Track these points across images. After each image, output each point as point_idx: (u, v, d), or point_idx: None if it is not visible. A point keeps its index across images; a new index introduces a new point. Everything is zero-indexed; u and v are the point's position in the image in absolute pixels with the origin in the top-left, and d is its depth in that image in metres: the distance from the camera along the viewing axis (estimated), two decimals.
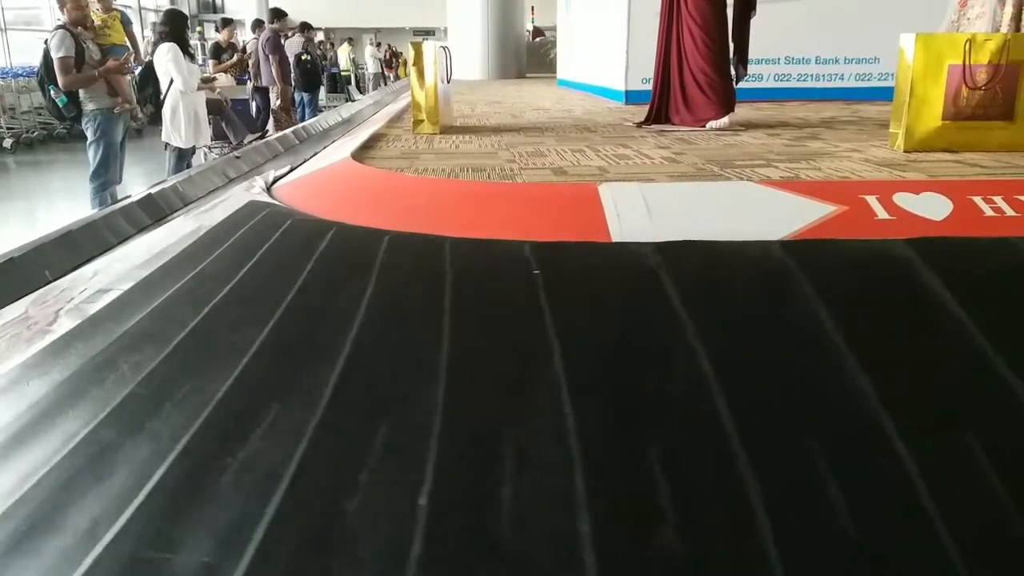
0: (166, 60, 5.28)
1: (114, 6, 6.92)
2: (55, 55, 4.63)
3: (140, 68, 5.91)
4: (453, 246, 1.72)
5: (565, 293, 1.55)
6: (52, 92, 4.78)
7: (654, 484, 1.10)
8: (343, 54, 17.39)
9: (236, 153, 3.33)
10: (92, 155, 4.90)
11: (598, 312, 1.51)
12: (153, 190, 2.97)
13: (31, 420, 1.37)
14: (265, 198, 2.31)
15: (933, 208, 1.93)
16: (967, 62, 2.76)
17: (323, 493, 1.10)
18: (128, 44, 6.46)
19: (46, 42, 4.78)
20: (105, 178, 4.90)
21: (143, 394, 1.37)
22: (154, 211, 2.85)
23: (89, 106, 4.83)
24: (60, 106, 4.81)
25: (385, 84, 16.60)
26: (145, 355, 1.50)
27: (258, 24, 9.63)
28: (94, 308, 1.81)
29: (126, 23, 7.12)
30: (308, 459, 1.16)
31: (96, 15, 6.08)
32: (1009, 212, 1.89)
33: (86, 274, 2.16)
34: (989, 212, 1.90)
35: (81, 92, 4.80)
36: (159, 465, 1.16)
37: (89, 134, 4.89)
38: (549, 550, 1.00)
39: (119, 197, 3.65)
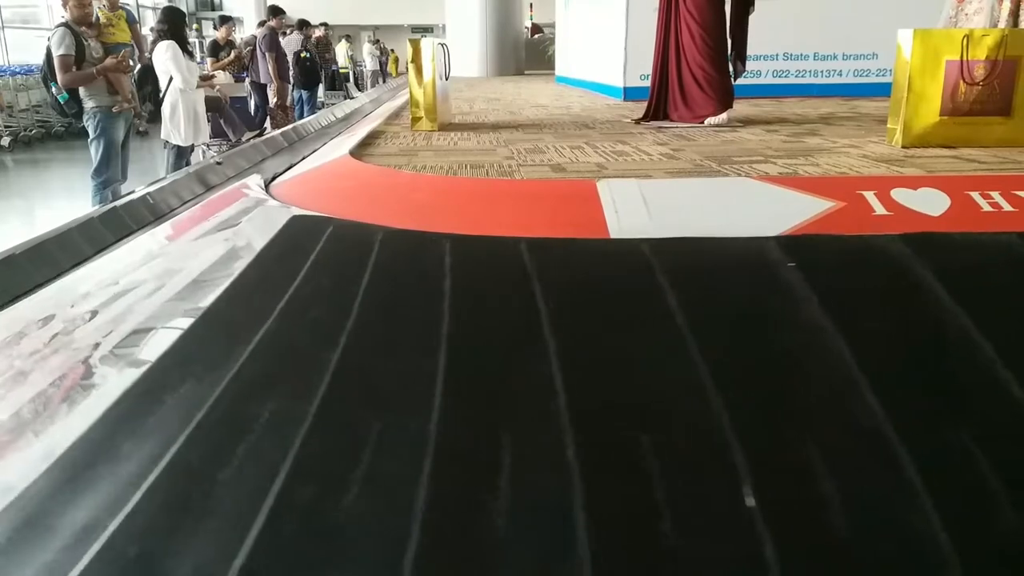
0: (165, 58, 5.27)
1: (120, 4, 6.93)
2: (55, 53, 4.63)
3: (139, 66, 5.91)
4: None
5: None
6: (55, 89, 4.78)
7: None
8: (341, 51, 17.37)
9: (218, 158, 3.21)
10: (93, 152, 4.91)
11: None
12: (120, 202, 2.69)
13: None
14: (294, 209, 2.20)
15: (931, 203, 1.93)
16: (965, 58, 2.76)
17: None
18: (133, 43, 6.46)
19: (49, 39, 4.78)
20: (107, 176, 4.90)
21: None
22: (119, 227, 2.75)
23: (89, 103, 4.83)
24: (62, 103, 4.82)
25: (384, 82, 16.59)
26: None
27: (263, 25, 9.62)
28: (143, 351, 1.50)
29: (131, 21, 7.12)
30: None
31: (102, 12, 6.08)
32: (1007, 207, 1.90)
33: (108, 315, 1.70)
34: (987, 207, 1.90)
35: (81, 90, 4.80)
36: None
37: (90, 131, 4.90)
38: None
39: (122, 194, 3.65)
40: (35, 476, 1.15)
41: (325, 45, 12.90)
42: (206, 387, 1.33)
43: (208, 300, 1.62)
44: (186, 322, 1.56)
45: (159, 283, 1.79)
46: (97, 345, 1.52)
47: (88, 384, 1.44)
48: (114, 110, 4.88)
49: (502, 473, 1.11)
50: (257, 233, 1.94)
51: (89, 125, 4.87)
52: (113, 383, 1.39)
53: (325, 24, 12.86)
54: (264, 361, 1.43)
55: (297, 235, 1.88)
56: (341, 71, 16.66)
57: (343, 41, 18.15)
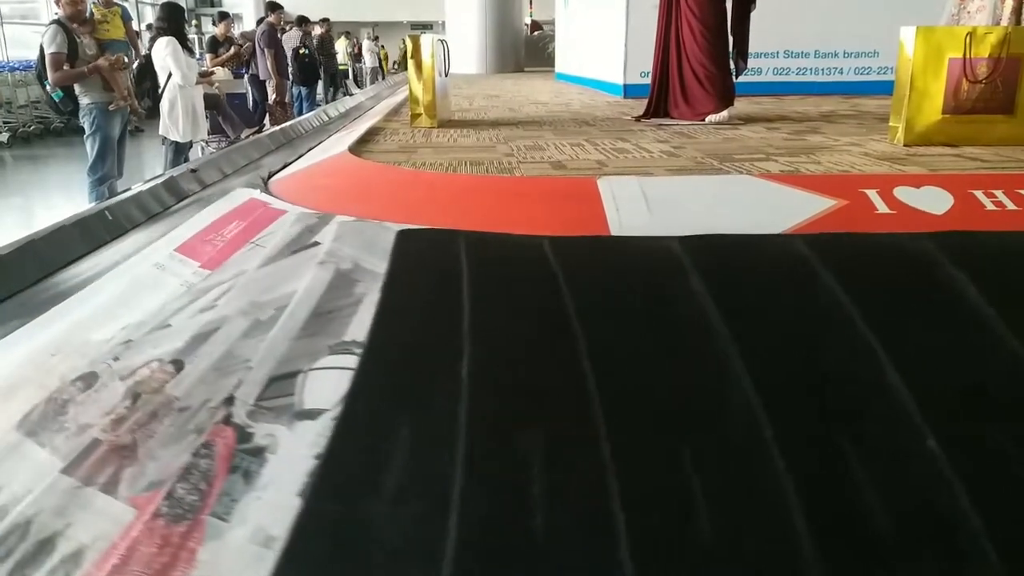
0: (164, 54, 5.25)
1: (115, 1, 6.90)
2: (47, 51, 4.61)
3: (137, 62, 5.89)
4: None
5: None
6: (49, 87, 4.76)
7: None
8: (340, 48, 17.34)
9: (192, 166, 3.04)
10: (89, 148, 4.89)
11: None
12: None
13: None
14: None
15: (934, 202, 1.92)
16: (967, 55, 2.75)
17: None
18: (128, 41, 6.43)
19: (43, 36, 4.76)
20: (103, 172, 4.88)
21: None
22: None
23: (85, 100, 4.81)
24: (57, 101, 4.79)
25: (383, 79, 16.55)
26: None
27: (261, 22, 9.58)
28: (307, 398, 1.31)
29: (126, 19, 7.08)
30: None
31: (97, 9, 6.05)
32: (1010, 206, 1.88)
33: (204, 364, 1.43)
34: (990, 206, 1.89)
35: (77, 86, 4.78)
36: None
37: (86, 127, 4.88)
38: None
39: (119, 191, 3.63)
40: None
41: (328, 42, 12.85)
42: (439, 424, 1.24)
43: (356, 332, 1.44)
44: (345, 359, 1.38)
45: (250, 320, 1.51)
46: (230, 401, 1.29)
47: (255, 447, 1.20)
48: (111, 108, 4.86)
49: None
50: (364, 253, 1.70)
51: (85, 122, 4.85)
52: (290, 440, 1.22)
53: (326, 20, 12.82)
54: (501, 386, 1.34)
55: (423, 251, 1.74)
56: (340, 68, 16.63)
57: (342, 38, 18.12)
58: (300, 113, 8.55)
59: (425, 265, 1.69)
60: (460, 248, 1.68)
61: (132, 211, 2.50)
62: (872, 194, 1.94)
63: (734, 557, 0.99)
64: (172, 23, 5.37)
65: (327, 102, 9.76)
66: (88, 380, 1.41)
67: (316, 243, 1.77)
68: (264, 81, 8.86)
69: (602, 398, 1.24)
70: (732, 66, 3.99)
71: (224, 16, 9.37)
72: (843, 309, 1.42)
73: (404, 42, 4.09)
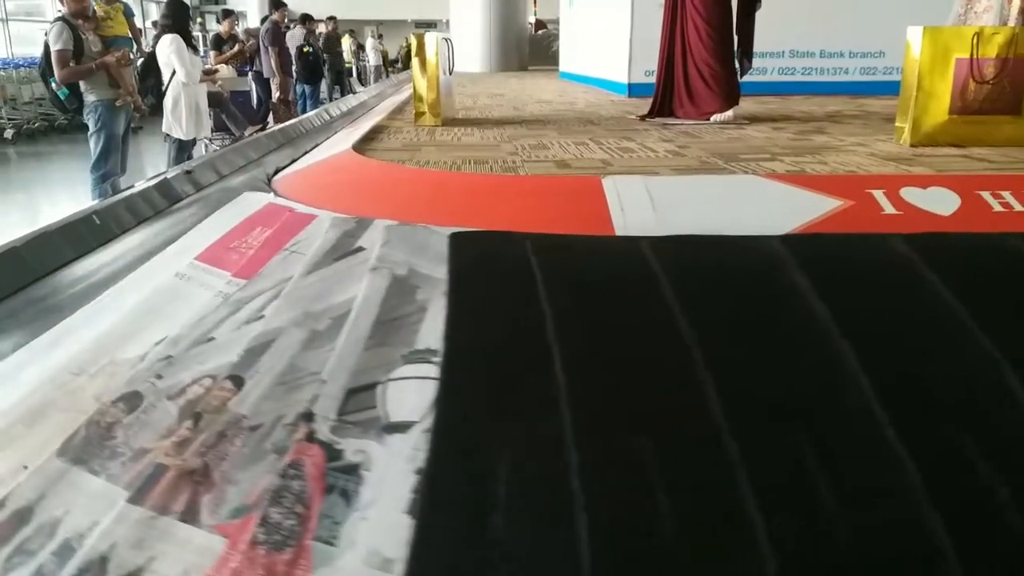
0: (168, 51, 5.24)
1: None
2: (53, 48, 4.60)
3: (142, 59, 5.87)
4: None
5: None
6: (54, 84, 4.75)
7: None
8: (344, 46, 17.33)
9: (188, 166, 2.91)
10: (93, 146, 4.88)
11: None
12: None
13: None
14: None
15: (941, 203, 1.91)
16: (975, 56, 2.73)
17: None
18: (131, 37, 6.42)
19: (47, 33, 4.75)
20: (105, 169, 4.88)
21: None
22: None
23: (90, 97, 4.80)
24: (62, 98, 4.78)
25: (387, 77, 16.55)
26: None
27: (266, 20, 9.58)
28: (390, 409, 1.27)
29: (129, 15, 7.07)
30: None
31: (99, 6, 6.04)
32: (1017, 207, 1.87)
33: (268, 380, 1.37)
34: (998, 207, 1.88)
35: (82, 83, 4.78)
36: None
37: (90, 125, 4.87)
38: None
39: (121, 188, 3.62)
40: None
41: (335, 40, 12.81)
42: (544, 430, 1.22)
43: (428, 340, 1.41)
44: (423, 368, 1.35)
45: (306, 331, 1.47)
46: (308, 417, 1.24)
47: (348, 465, 1.16)
48: (117, 104, 4.85)
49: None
50: (417, 257, 1.67)
51: (90, 119, 4.84)
52: (384, 455, 1.18)
53: (333, 18, 12.78)
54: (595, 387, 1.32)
55: (483, 255, 1.71)
56: (344, 65, 16.62)
57: (346, 36, 18.11)
58: (304, 111, 8.55)
59: (490, 268, 1.64)
60: (526, 250, 1.64)
61: (140, 209, 2.49)
62: (878, 195, 1.92)
63: (867, 557, 0.98)
64: (176, 20, 5.36)
65: (332, 100, 9.75)
66: (131, 401, 1.33)
67: (360, 248, 1.72)
68: (268, 79, 8.85)
69: (719, 397, 1.23)
70: (737, 65, 3.97)
71: (228, 13, 9.38)
72: (948, 309, 1.41)
73: (407, 40, 4.07)
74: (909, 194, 1.93)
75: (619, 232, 1.78)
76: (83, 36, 4.72)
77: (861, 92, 5.95)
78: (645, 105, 4.33)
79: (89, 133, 4.91)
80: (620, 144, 3.14)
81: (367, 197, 2.24)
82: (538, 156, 2.83)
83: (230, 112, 7.29)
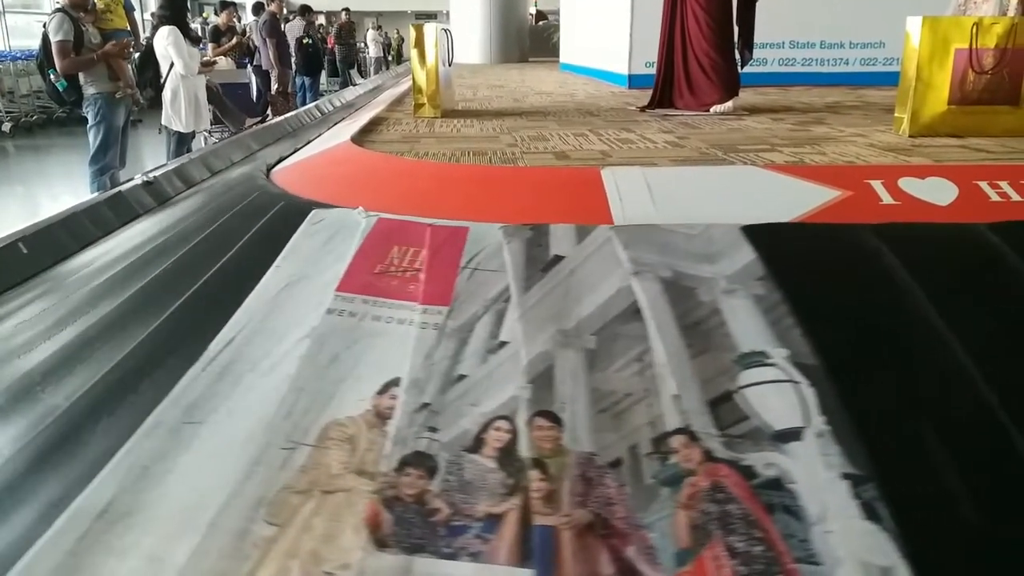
0: (166, 43, 5.23)
1: None
2: (53, 39, 4.59)
3: (139, 52, 5.86)
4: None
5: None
6: (52, 76, 4.74)
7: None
8: (369, 38, 17.30)
9: (148, 177, 2.62)
10: (92, 139, 4.88)
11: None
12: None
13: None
14: None
15: (938, 193, 1.91)
16: (974, 46, 2.73)
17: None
18: (130, 29, 6.41)
19: (45, 25, 4.74)
20: (104, 162, 4.87)
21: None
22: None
23: (90, 90, 4.79)
24: (60, 90, 4.77)
25: (387, 68, 16.51)
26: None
27: (259, 8, 9.54)
28: None
29: (129, 9, 7.07)
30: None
31: None
32: (1015, 197, 1.88)
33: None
34: (995, 197, 1.88)
35: (81, 76, 4.77)
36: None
37: (90, 118, 4.86)
38: None
39: (120, 181, 3.62)
40: None
41: (349, 31, 12.74)
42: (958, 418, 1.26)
43: (748, 343, 1.40)
44: (770, 372, 1.34)
45: (579, 352, 1.39)
46: (692, 437, 1.18)
47: (769, 480, 1.12)
48: (117, 96, 4.84)
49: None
50: (672, 258, 1.63)
51: (89, 112, 4.84)
52: (796, 465, 1.16)
53: (347, 10, 12.65)
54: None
55: (804, 249, 1.70)
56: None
57: (370, 29, 18.08)
58: (303, 103, 8.54)
59: (815, 263, 1.60)
60: (869, 240, 1.60)
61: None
62: (877, 185, 1.93)
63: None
64: (174, 11, 5.34)
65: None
66: (421, 463, 1.16)
67: (558, 257, 1.64)
68: (267, 71, 8.83)
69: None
70: (737, 56, 3.97)
71: (226, 5, 9.32)
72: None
73: (398, 33, 4.06)
74: (907, 184, 1.94)
75: (618, 223, 1.78)
76: (83, 28, 4.71)
77: (861, 83, 5.93)
78: (645, 96, 4.33)
79: (88, 126, 4.90)
80: (620, 135, 3.14)
81: (366, 189, 2.24)
82: (537, 147, 2.83)
83: (223, 106, 7.25)
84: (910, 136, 2.84)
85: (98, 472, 1.13)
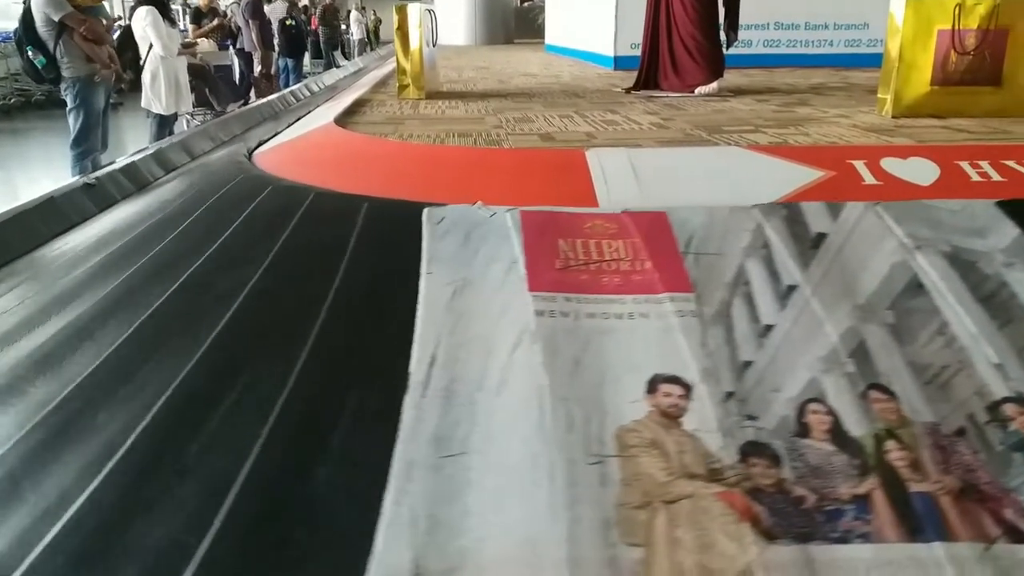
0: (144, 24, 5.16)
1: None
2: (57, 15, 4.50)
3: (118, 33, 5.78)
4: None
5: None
6: (31, 53, 4.66)
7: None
8: (352, 18, 17.11)
9: (88, 179, 2.37)
10: (72, 122, 4.81)
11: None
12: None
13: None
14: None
15: (920, 173, 1.92)
16: (956, 27, 2.74)
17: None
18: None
19: (26, 1, 4.65)
20: (86, 146, 4.81)
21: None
22: None
23: (67, 73, 4.72)
24: (39, 68, 4.70)
25: (371, 50, 16.38)
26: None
27: None
28: None
29: None
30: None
31: None
32: (995, 177, 1.89)
33: None
34: (976, 177, 1.90)
35: (60, 59, 4.69)
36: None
37: (69, 101, 4.79)
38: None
39: (102, 165, 3.57)
40: None
41: (333, 13, 12.59)
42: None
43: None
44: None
45: (881, 327, 1.37)
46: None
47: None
48: (96, 79, 4.77)
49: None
50: (945, 233, 1.62)
51: (68, 95, 4.77)
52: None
53: None
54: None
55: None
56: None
57: (353, 10, 17.89)
58: (286, 85, 8.46)
59: None
60: None
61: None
62: (859, 165, 1.94)
63: None
64: None
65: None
66: (765, 452, 1.13)
67: (822, 234, 1.59)
68: (250, 53, 8.74)
69: None
70: (722, 38, 3.96)
71: None
72: None
73: (375, 14, 4.02)
74: (889, 164, 1.95)
75: (603, 204, 1.78)
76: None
77: (846, 64, 5.94)
78: (630, 78, 4.32)
79: (68, 109, 4.83)
80: (605, 117, 3.14)
81: (350, 171, 2.23)
82: (523, 129, 2.82)
83: (214, 86, 7.19)
84: (893, 117, 2.86)
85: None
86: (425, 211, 1.69)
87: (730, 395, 1.23)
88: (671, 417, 1.19)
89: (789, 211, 1.67)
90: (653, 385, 1.24)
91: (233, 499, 1.02)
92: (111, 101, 5.26)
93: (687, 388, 1.24)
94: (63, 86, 4.74)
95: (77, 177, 2.30)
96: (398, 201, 1.81)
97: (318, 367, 1.29)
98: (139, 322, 1.46)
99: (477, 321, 1.40)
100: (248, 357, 1.34)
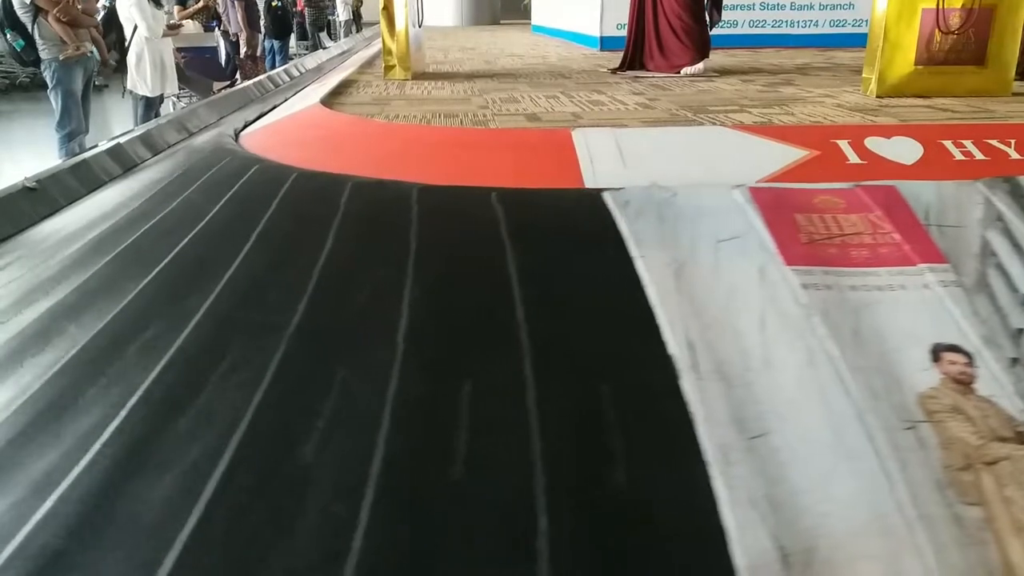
0: (128, 4, 5.11)
1: None
2: None
3: (103, 14, 5.72)
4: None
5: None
6: (9, 36, 4.61)
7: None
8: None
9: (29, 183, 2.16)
10: (54, 103, 4.78)
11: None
12: None
13: None
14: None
15: (904, 152, 1.94)
16: (941, 6, 2.75)
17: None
18: None
19: None
20: (71, 127, 4.77)
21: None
22: None
23: (44, 55, 4.68)
24: (18, 50, 4.65)
25: (358, 31, 16.25)
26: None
27: None
28: None
29: None
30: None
31: None
32: (979, 156, 1.91)
33: None
34: (959, 156, 1.91)
35: (38, 40, 4.64)
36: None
37: (48, 81, 4.77)
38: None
39: (86, 147, 3.54)
40: None
41: None
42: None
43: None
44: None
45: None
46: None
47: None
48: (60, 58, 4.70)
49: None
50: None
51: (47, 75, 4.74)
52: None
53: None
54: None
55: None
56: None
57: None
58: (273, 67, 8.39)
59: None
60: None
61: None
62: (844, 144, 1.95)
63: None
64: None
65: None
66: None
67: (1003, 216, 1.56)
68: (237, 34, 8.65)
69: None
70: (707, 18, 3.97)
71: None
72: None
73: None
74: (874, 144, 1.97)
75: (588, 184, 1.79)
76: None
77: (831, 44, 5.96)
78: (616, 58, 4.32)
79: (48, 90, 4.80)
80: (591, 97, 3.14)
81: (337, 152, 2.23)
82: (509, 110, 2.82)
83: (185, 76, 7.09)
84: (878, 96, 2.87)
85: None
86: (607, 196, 1.64)
87: (1015, 361, 1.24)
88: (963, 384, 1.20)
89: (1011, 185, 1.64)
90: (936, 354, 1.25)
91: None
92: (97, 83, 5.21)
93: (969, 356, 1.25)
94: (42, 66, 4.71)
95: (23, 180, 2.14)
96: (387, 181, 1.82)
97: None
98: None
99: (711, 300, 1.38)
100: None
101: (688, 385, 1.18)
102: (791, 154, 1.91)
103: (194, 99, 6.34)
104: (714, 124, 2.42)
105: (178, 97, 6.30)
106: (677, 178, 1.74)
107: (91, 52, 4.83)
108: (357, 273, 1.51)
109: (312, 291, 1.43)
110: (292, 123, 2.70)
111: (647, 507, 1.01)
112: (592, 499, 1.02)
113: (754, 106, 2.79)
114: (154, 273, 1.57)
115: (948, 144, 1.96)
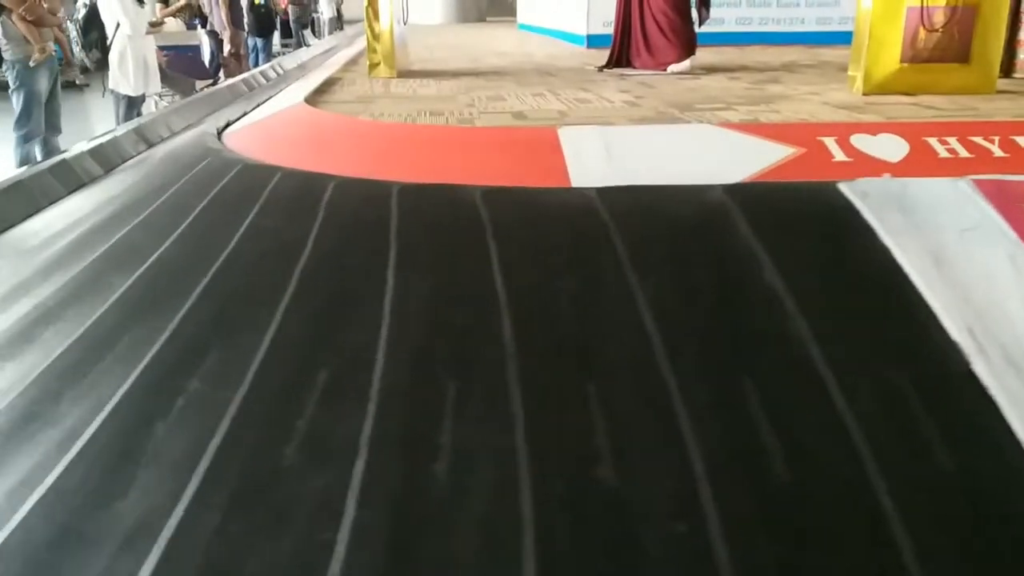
0: (111, 2, 5.06)
1: None
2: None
3: (84, 11, 5.66)
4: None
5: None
6: None
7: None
8: None
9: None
10: (14, 104, 4.72)
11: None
12: None
13: None
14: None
15: (890, 149, 1.94)
16: (925, 4, 2.76)
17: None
18: None
19: None
20: (28, 128, 4.69)
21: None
22: None
23: (7, 55, 4.62)
24: None
25: (342, 29, 16.18)
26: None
27: None
28: None
29: None
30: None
31: None
32: (963, 153, 1.91)
33: None
34: (944, 153, 1.92)
35: (1, 40, 4.58)
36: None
37: (10, 82, 4.71)
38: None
39: (62, 149, 3.49)
40: None
41: None
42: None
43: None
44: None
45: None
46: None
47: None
48: (31, 63, 4.64)
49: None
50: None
51: (8, 76, 4.68)
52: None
53: None
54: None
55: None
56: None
57: None
58: (256, 65, 8.34)
59: None
60: None
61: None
62: (830, 142, 1.95)
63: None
64: None
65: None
66: None
67: None
68: (220, 33, 8.59)
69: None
70: (694, 15, 3.97)
71: None
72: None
73: None
74: (859, 141, 1.97)
75: (575, 183, 1.78)
76: None
77: (817, 42, 5.97)
78: (603, 56, 4.31)
79: (9, 91, 4.74)
80: (577, 95, 3.13)
81: (321, 150, 2.21)
82: (495, 108, 2.81)
83: (164, 74, 7.02)
84: (864, 94, 2.87)
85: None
86: (842, 186, 1.62)
87: None
88: None
89: None
90: None
91: None
92: (77, 82, 5.15)
93: None
94: (4, 68, 4.66)
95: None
96: (372, 181, 1.80)
97: None
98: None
99: (974, 287, 1.37)
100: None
101: (982, 370, 1.18)
102: (778, 152, 1.91)
103: (176, 99, 6.28)
104: (701, 122, 2.42)
105: (160, 96, 6.25)
106: (663, 177, 1.74)
107: (54, 51, 4.77)
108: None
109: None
110: (276, 122, 2.68)
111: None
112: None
113: (741, 104, 2.79)
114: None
115: (933, 141, 1.96)
